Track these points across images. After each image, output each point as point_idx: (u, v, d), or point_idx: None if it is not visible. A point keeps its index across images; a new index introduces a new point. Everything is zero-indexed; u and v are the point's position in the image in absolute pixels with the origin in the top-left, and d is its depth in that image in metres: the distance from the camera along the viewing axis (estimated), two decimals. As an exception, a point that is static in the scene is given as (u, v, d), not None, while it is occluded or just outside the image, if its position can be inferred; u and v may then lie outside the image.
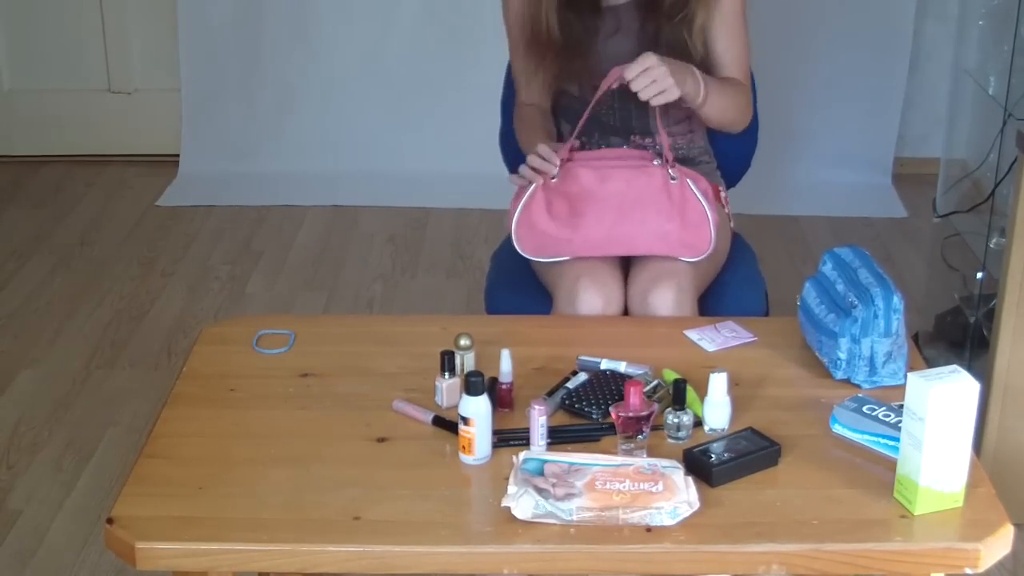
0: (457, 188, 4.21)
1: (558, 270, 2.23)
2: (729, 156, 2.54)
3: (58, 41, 4.49)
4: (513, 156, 2.65)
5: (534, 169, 2.22)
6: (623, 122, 2.36)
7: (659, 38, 2.30)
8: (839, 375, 1.84)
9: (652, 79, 2.14)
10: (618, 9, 2.35)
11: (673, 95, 2.16)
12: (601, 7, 2.34)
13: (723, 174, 2.51)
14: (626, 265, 2.29)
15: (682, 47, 2.29)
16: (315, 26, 4.37)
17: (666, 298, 2.15)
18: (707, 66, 2.34)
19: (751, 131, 2.60)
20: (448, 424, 1.74)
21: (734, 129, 2.41)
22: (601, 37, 2.34)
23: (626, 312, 2.21)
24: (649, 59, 2.14)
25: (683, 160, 2.35)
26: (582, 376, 1.84)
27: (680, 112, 2.33)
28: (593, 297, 2.15)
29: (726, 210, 2.40)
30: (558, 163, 2.21)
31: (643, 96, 2.16)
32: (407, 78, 4.38)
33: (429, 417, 1.77)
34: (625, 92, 2.25)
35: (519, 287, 2.37)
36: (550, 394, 1.81)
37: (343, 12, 4.34)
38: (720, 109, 2.32)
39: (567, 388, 1.82)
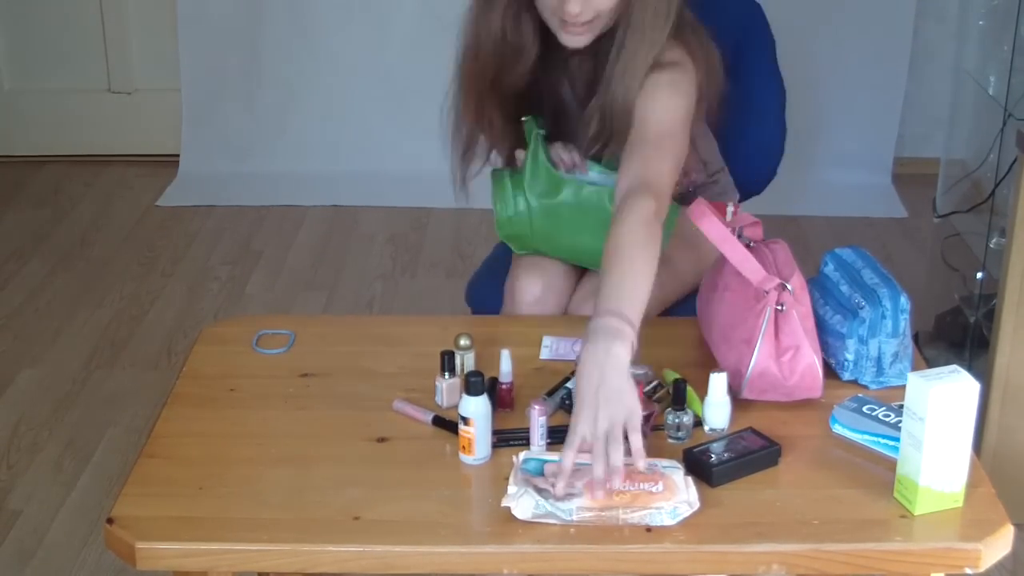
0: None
1: (512, 267, 2.26)
2: (751, 166, 2.47)
3: (58, 41, 4.49)
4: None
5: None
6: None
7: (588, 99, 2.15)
8: (846, 376, 1.84)
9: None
10: (572, 106, 2.22)
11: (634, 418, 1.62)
12: (565, 104, 2.22)
13: (743, 186, 2.43)
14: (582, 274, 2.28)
15: (603, 113, 2.12)
16: (315, 26, 4.37)
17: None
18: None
19: (776, 139, 2.52)
20: (448, 424, 1.74)
21: None
22: (568, 54, 2.16)
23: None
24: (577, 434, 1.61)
25: (689, 192, 2.26)
26: None
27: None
28: (532, 284, 2.18)
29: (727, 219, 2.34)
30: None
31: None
32: (407, 78, 4.38)
33: (429, 417, 1.77)
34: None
35: (494, 280, 2.36)
36: (550, 394, 1.81)
37: (343, 12, 4.34)
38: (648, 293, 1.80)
39: (567, 388, 1.82)
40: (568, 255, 2.25)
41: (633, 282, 1.74)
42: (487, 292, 2.36)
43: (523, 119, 2.21)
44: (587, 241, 2.19)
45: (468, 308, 2.46)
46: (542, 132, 2.19)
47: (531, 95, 2.21)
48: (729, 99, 2.23)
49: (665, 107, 2.05)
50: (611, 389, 1.59)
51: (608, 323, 1.66)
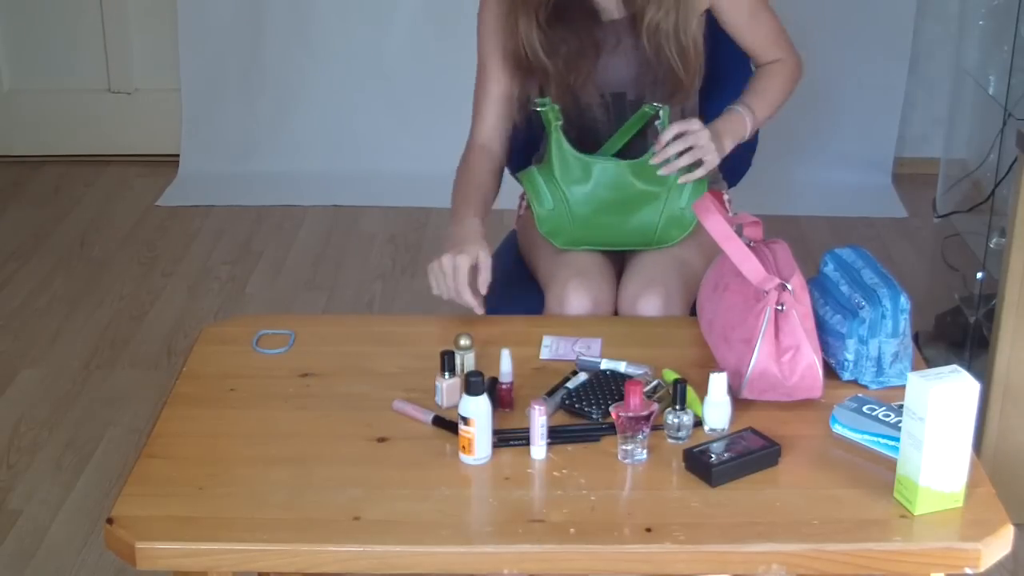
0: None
1: (550, 270, 2.23)
2: (730, 157, 2.53)
3: (58, 41, 4.49)
4: (513, 157, 2.65)
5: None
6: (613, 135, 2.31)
7: (659, 55, 2.23)
8: (846, 376, 1.84)
9: (688, 144, 2.16)
10: (616, 24, 2.27)
11: (701, 172, 2.19)
12: (601, 21, 2.27)
13: (724, 174, 2.50)
14: (620, 263, 2.29)
15: (665, 65, 2.23)
16: (315, 26, 4.37)
17: (654, 304, 2.14)
18: (686, 86, 2.28)
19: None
20: (448, 424, 1.74)
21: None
22: (603, 54, 2.26)
23: (615, 312, 2.21)
24: (691, 124, 2.17)
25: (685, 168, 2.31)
26: (582, 376, 1.84)
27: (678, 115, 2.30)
28: (583, 298, 2.14)
29: (728, 214, 2.39)
30: (481, 304, 2.09)
31: (670, 168, 2.17)
32: (407, 78, 4.38)
33: (429, 417, 1.77)
34: (619, 103, 2.25)
35: (518, 289, 2.36)
36: (550, 394, 1.81)
37: (343, 12, 4.34)
38: (769, 112, 2.35)
39: (567, 388, 1.82)
40: (611, 238, 2.25)
41: (764, 91, 2.32)
42: (507, 300, 2.35)
43: (538, 107, 2.23)
44: (627, 219, 2.23)
45: (467, 308, 2.46)
46: (559, 122, 2.21)
47: (567, 10, 2.24)
48: (705, 89, 2.35)
49: None
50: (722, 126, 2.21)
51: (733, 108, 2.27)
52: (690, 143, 2.16)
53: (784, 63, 2.38)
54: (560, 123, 2.22)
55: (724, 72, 2.42)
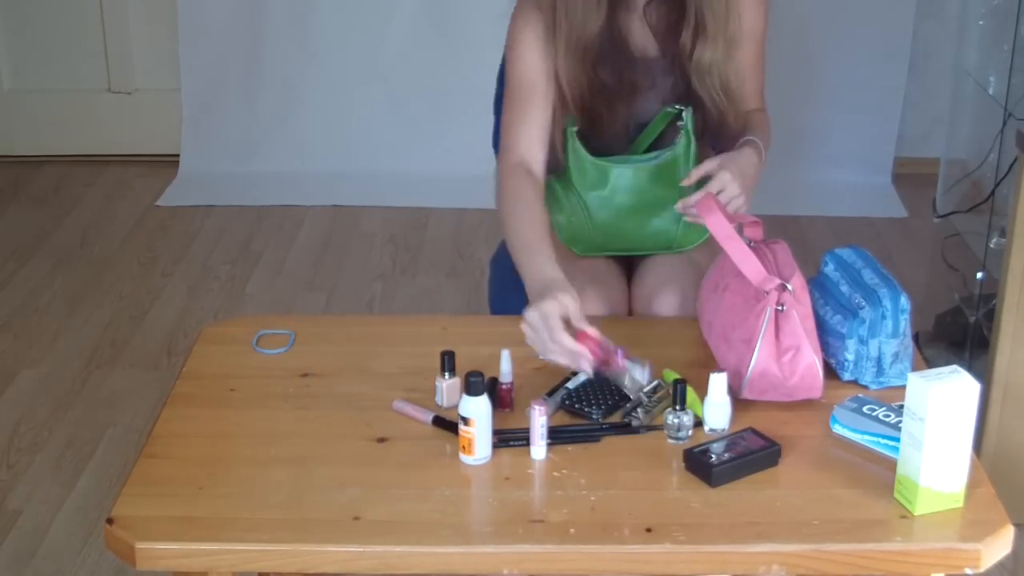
0: (457, 188, 4.21)
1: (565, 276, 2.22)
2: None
3: (58, 41, 4.49)
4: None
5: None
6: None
7: (689, 93, 2.20)
8: (846, 376, 1.84)
9: (718, 189, 2.05)
10: (650, 62, 2.22)
11: (737, 202, 2.07)
12: (635, 58, 2.21)
13: None
14: (628, 266, 2.29)
15: (712, 102, 2.20)
16: (315, 26, 4.37)
17: (670, 303, 2.14)
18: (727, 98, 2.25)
19: None
20: (448, 424, 1.74)
21: None
22: (638, 93, 2.21)
23: (630, 313, 2.21)
24: (723, 176, 2.06)
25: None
26: (582, 376, 1.84)
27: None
28: (599, 304, 2.14)
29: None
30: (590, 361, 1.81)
31: (692, 218, 2.10)
32: (407, 78, 4.38)
33: (429, 417, 1.77)
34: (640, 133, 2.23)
35: (517, 288, 2.36)
36: (550, 394, 1.81)
37: (343, 12, 4.34)
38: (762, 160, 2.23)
39: (567, 388, 1.82)
40: (630, 243, 2.25)
41: (762, 138, 2.20)
42: (518, 305, 2.34)
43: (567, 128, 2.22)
44: (646, 223, 2.22)
45: (468, 308, 2.46)
46: (575, 128, 2.20)
47: (604, 50, 2.17)
48: None
49: (764, 13, 2.26)
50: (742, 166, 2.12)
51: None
52: (718, 190, 2.05)
53: (764, 116, 2.30)
54: (575, 129, 2.21)
55: None
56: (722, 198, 2.03)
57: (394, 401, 1.81)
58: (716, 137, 2.26)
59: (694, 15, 2.14)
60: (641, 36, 2.22)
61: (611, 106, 2.20)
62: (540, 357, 1.82)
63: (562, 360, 1.79)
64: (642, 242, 2.25)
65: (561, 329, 1.79)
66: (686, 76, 2.20)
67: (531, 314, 1.82)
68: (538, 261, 1.97)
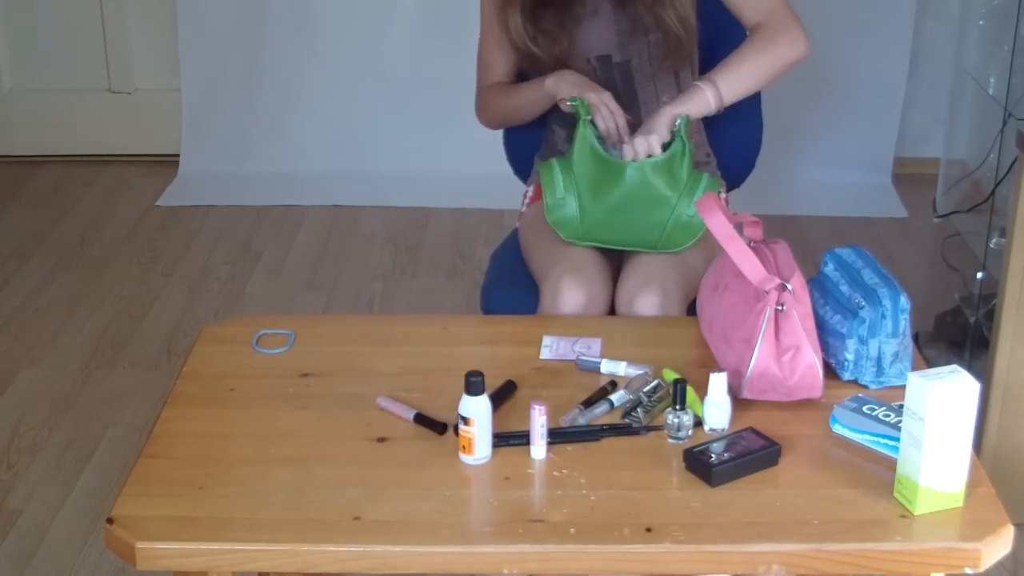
0: (457, 188, 4.21)
1: (546, 265, 2.23)
2: (733, 158, 2.54)
3: (58, 41, 4.49)
4: (515, 156, 2.66)
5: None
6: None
7: (636, 21, 2.30)
8: (846, 376, 1.84)
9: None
10: None
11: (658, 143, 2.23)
12: None
13: (726, 176, 2.50)
14: (618, 262, 2.29)
15: (663, 28, 2.29)
16: (315, 26, 4.37)
17: (651, 303, 2.14)
18: (686, 46, 2.34)
19: (754, 133, 2.59)
20: (430, 422, 1.74)
21: (787, 70, 2.39)
22: (582, 23, 2.33)
23: (613, 312, 2.21)
24: (651, 142, 2.22)
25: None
26: (621, 393, 1.82)
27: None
28: (576, 294, 2.14)
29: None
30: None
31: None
32: (407, 78, 4.38)
33: (411, 414, 1.77)
34: (605, 66, 2.30)
35: (515, 288, 2.36)
36: (587, 404, 1.80)
37: (343, 12, 4.34)
38: (753, 84, 2.33)
39: (609, 400, 1.80)
40: (617, 237, 2.26)
41: (738, 62, 2.29)
42: (506, 299, 2.35)
43: (571, 102, 2.26)
44: (636, 219, 2.23)
45: (468, 308, 2.46)
46: (589, 118, 2.24)
47: None
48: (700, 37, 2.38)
49: None
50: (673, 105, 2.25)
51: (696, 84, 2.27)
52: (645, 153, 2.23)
53: (768, 29, 2.32)
54: (589, 118, 2.25)
55: (721, 40, 2.43)
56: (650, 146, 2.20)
57: (378, 398, 1.81)
58: (678, 62, 2.37)
59: None
60: None
61: (559, 40, 2.31)
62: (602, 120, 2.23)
63: (620, 123, 2.23)
64: (629, 237, 2.25)
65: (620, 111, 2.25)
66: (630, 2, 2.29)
67: (601, 94, 2.24)
68: (564, 70, 2.31)
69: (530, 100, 2.37)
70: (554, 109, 2.37)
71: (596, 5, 2.33)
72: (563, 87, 2.28)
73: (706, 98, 2.24)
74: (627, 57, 2.33)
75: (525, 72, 2.43)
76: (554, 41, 2.31)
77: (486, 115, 2.50)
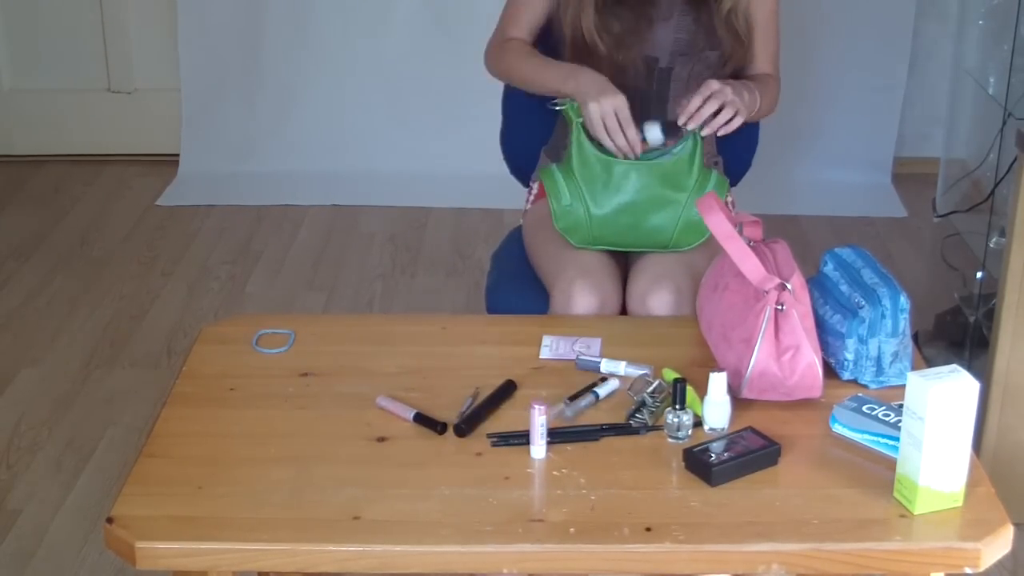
0: (457, 188, 4.21)
1: (556, 269, 2.23)
2: (730, 157, 2.54)
3: (58, 41, 4.49)
4: (513, 156, 2.66)
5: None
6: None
7: (701, 29, 2.29)
8: (846, 375, 1.84)
9: (720, 104, 2.19)
10: None
11: (738, 121, 2.21)
12: None
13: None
14: (624, 263, 2.29)
15: (727, 36, 2.31)
16: (315, 26, 4.37)
17: (665, 300, 2.15)
18: (740, 61, 2.37)
19: (751, 133, 2.60)
20: (430, 422, 1.74)
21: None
22: (653, 26, 2.30)
23: (624, 312, 2.21)
24: (713, 85, 2.19)
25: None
26: (612, 384, 1.83)
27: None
28: (589, 297, 2.14)
29: (732, 212, 2.39)
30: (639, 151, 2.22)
31: (710, 128, 2.20)
32: (407, 78, 4.38)
33: (411, 414, 1.76)
34: (649, 68, 2.30)
35: (520, 287, 2.37)
36: (573, 398, 1.80)
37: (343, 12, 4.34)
38: (763, 114, 2.38)
39: (595, 393, 1.80)
40: (626, 239, 2.25)
41: (762, 88, 2.34)
42: (512, 300, 2.35)
43: (559, 107, 2.25)
44: (644, 221, 2.23)
45: (467, 308, 2.46)
46: (580, 120, 2.22)
47: None
48: None
49: None
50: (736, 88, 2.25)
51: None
52: (719, 101, 2.19)
53: (773, 81, 2.43)
54: (581, 121, 2.22)
55: None
56: (720, 101, 2.18)
57: (378, 398, 1.81)
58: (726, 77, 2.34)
59: None
60: None
61: (627, 45, 2.28)
62: (595, 131, 2.18)
63: (617, 141, 2.18)
64: (638, 239, 2.25)
65: (630, 122, 2.18)
66: (699, 13, 2.29)
67: (607, 103, 2.16)
68: (579, 66, 2.25)
69: (546, 86, 2.31)
70: None
71: (671, 9, 2.31)
72: (586, 98, 2.20)
73: (755, 110, 2.32)
74: (672, 64, 2.31)
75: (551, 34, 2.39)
76: (620, 44, 2.28)
77: (497, 67, 2.42)
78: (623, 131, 2.19)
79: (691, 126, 2.20)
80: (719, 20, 2.29)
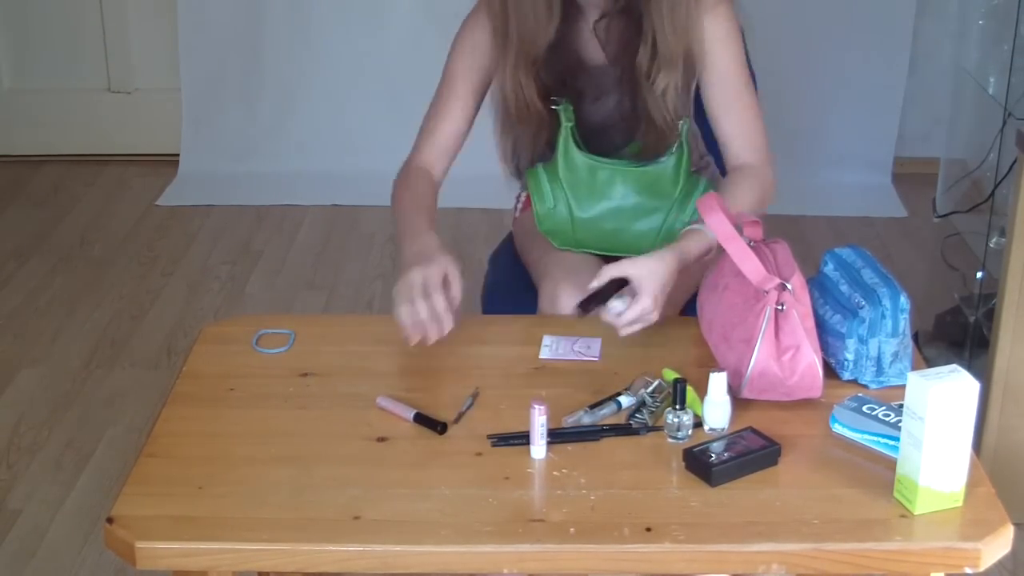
0: (457, 188, 4.18)
1: (543, 269, 2.22)
2: (719, 157, 2.52)
3: (58, 41, 4.50)
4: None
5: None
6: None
7: (636, 108, 2.18)
8: (846, 376, 1.83)
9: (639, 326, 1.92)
10: (598, 70, 2.22)
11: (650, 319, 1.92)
12: (585, 66, 2.21)
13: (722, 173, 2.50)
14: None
15: (664, 120, 2.17)
16: (315, 26, 4.37)
17: None
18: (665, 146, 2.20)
19: None
20: (430, 422, 1.74)
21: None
22: (585, 101, 2.21)
23: None
24: (644, 303, 1.89)
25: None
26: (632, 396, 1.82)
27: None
28: (573, 298, 2.14)
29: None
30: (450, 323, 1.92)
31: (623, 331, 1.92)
32: (407, 78, 4.37)
33: (411, 414, 1.76)
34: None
35: (516, 290, 2.36)
36: (594, 407, 1.79)
37: (343, 12, 4.34)
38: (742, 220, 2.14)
39: (617, 402, 1.79)
40: (610, 244, 2.24)
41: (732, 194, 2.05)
42: (507, 303, 2.34)
43: (555, 106, 2.21)
44: (628, 226, 2.22)
45: (467, 307, 2.45)
46: (570, 124, 2.20)
47: (551, 58, 2.16)
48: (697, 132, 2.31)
49: (735, 51, 2.15)
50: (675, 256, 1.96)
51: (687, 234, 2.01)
52: (641, 325, 1.91)
53: (758, 171, 2.14)
54: (571, 124, 2.20)
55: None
56: (641, 325, 1.91)
57: (378, 398, 1.80)
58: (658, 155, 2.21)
59: (650, 35, 2.11)
60: (592, 48, 2.21)
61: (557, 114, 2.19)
62: (398, 317, 1.87)
63: (416, 320, 1.86)
64: (621, 245, 2.23)
65: (439, 289, 1.91)
66: (634, 92, 2.17)
67: (414, 274, 1.90)
68: (422, 230, 2.06)
69: (399, 234, 2.12)
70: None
71: (599, 88, 2.21)
72: (405, 265, 1.96)
73: (710, 246, 1.99)
74: (626, 137, 2.25)
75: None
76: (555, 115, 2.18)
77: (392, 202, 2.23)
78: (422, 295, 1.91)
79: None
80: (652, 101, 2.15)
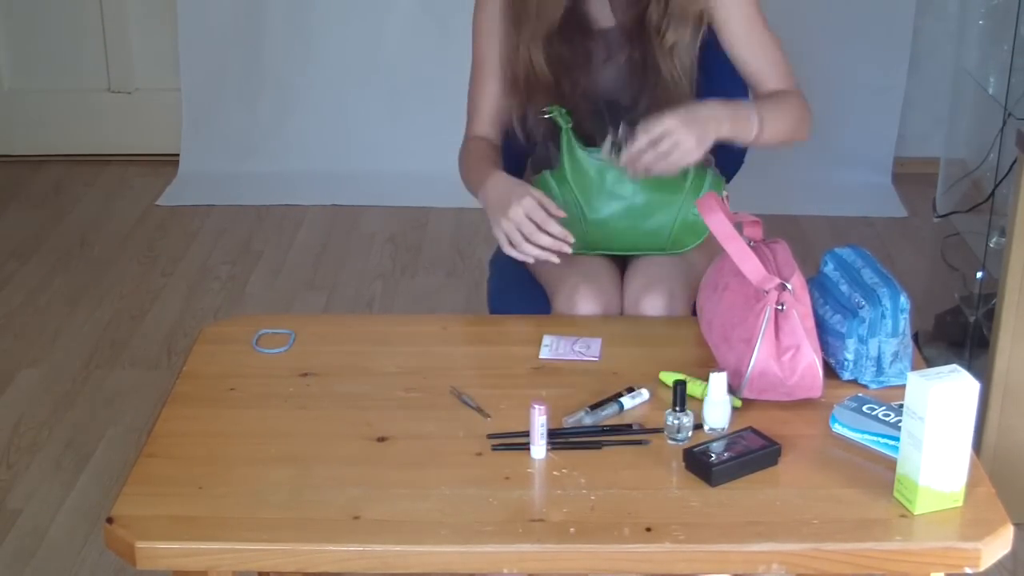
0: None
1: (557, 275, 2.22)
2: (722, 154, 2.52)
3: (58, 41, 4.49)
4: (508, 159, 2.65)
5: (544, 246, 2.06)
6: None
7: (646, 65, 2.22)
8: (846, 376, 1.84)
9: (667, 146, 2.02)
10: (607, 33, 2.26)
11: (690, 158, 2.05)
12: (592, 30, 2.25)
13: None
14: (622, 264, 2.29)
15: (672, 75, 2.21)
16: (315, 26, 4.37)
17: (658, 304, 2.14)
18: (744, 83, 2.27)
19: None
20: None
21: (794, 143, 2.27)
22: (593, 64, 2.25)
23: (623, 313, 2.20)
24: (667, 123, 2.01)
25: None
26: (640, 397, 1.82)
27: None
28: (591, 303, 2.14)
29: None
30: (572, 240, 2.06)
31: (656, 172, 2.05)
32: (407, 78, 4.38)
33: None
34: (614, 111, 2.19)
35: (522, 292, 2.36)
36: (594, 407, 1.79)
37: (343, 12, 4.34)
38: (778, 135, 2.19)
39: (620, 403, 1.79)
40: (624, 243, 2.24)
41: (775, 104, 2.18)
42: (515, 305, 2.34)
43: (547, 113, 2.22)
44: (641, 224, 2.22)
45: (467, 308, 2.46)
46: (569, 125, 2.20)
47: (562, 25, 2.23)
48: (699, 91, 2.30)
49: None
50: (708, 111, 2.08)
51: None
52: (666, 147, 2.03)
53: (793, 95, 2.24)
54: (570, 126, 2.20)
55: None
56: (667, 147, 2.02)
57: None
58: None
59: None
60: (601, 9, 2.26)
61: (572, 81, 2.23)
62: (518, 253, 2.05)
63: (540, 251, 2.03)
64: (635, 243, 2.24)
65: (547, 218, 2.03)
66: (644, 49, 2.22)
67: (515, 211, 2.03)
68: (496, 174, 2.15)
69: (476, 187, 2.22)
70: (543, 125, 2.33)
71: (608, 49, 2.25)
72: (491, 219, 2.11)
73: (750, 122, 2.13)
74: (636, 100, 2.26)
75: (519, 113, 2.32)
76: (561, 81, 2.23)
77: (461, 175, 2.33)
78: (544, 231, 2.05)
79: (631, 175, 2.11)
80: (663, 56, 2.19)
